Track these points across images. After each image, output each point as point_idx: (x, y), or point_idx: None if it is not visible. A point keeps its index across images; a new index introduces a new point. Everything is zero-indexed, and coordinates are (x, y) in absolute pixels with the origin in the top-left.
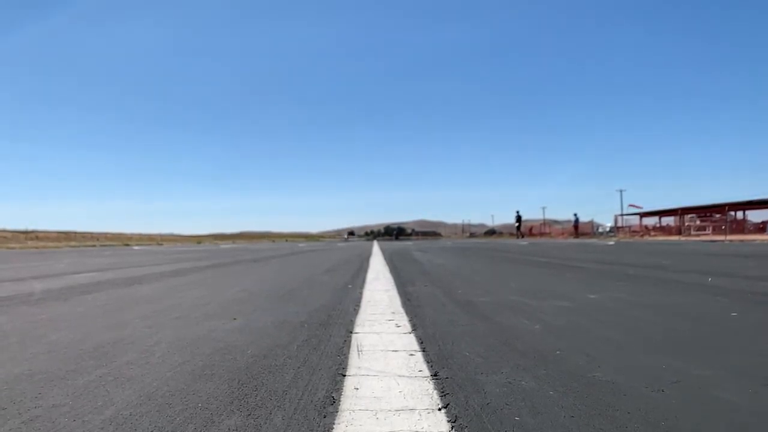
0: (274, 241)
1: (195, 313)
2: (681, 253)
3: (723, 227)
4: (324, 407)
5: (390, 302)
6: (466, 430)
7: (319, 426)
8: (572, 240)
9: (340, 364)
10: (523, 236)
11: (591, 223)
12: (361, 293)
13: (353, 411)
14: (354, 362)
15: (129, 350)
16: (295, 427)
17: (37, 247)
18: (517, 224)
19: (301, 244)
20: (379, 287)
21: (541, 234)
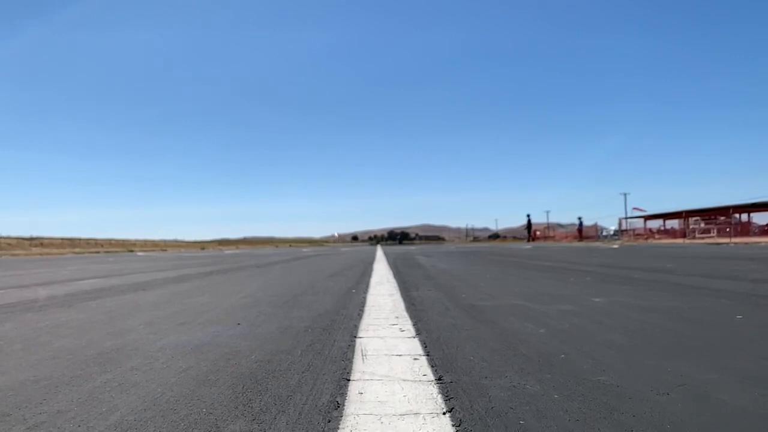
0: (277, 246)
1: (199, 319)
2: (685, 257)
3: (728, 230)
4: (328, 412)
5: (394, 306)
6: None
7: (323, 431)
8: (576, 243)
9: (345, 368)
10: (530, 240)
11: (595, 227)
12: (365, 298)
13: (358, 415)
14: (358, 367)
15: (133, 356)
16: (300, 431)
17: (41, 254)
18: (527, 228)
19: (304, 249)
20: (383, 291)
21: (545, 238)
